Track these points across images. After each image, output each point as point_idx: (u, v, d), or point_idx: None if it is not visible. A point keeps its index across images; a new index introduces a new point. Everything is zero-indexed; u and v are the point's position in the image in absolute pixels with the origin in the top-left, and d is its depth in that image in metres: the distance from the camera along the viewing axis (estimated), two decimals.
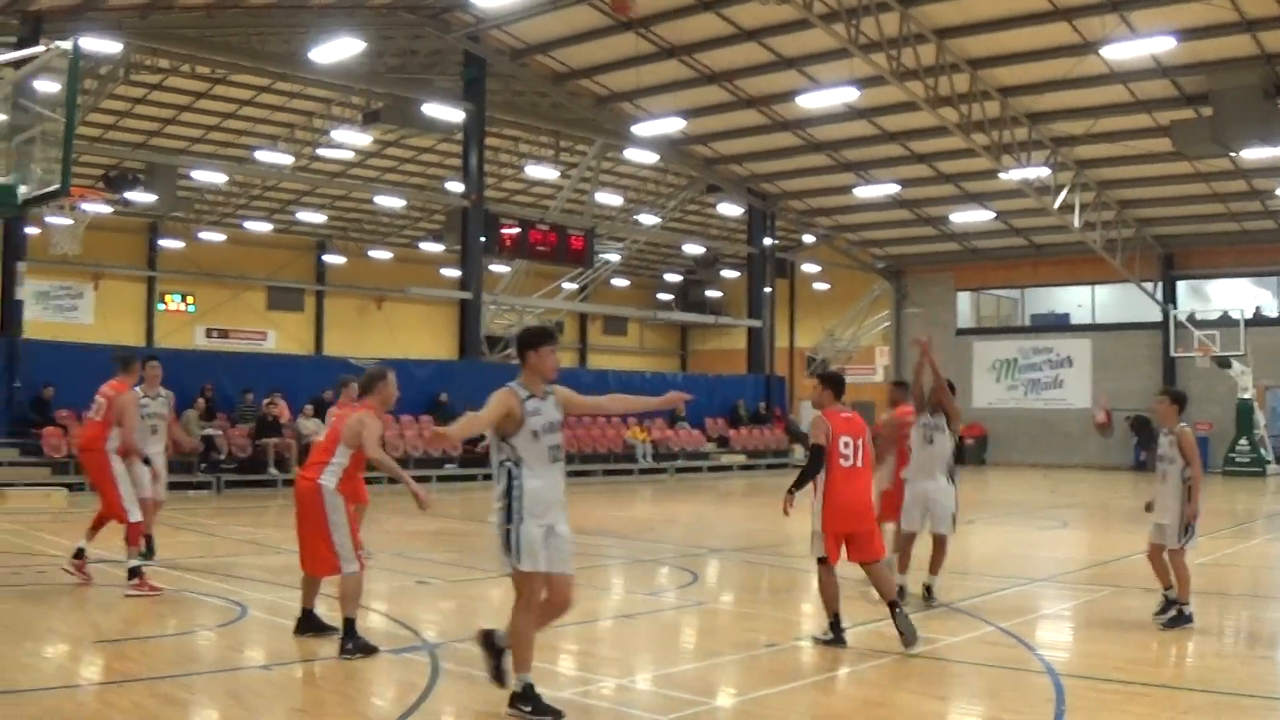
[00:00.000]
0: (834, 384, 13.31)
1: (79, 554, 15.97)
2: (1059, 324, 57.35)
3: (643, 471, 43.24)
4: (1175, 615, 14.04)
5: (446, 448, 37.88)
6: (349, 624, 11.75)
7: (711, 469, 46.26)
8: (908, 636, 12.38)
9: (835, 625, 12.92)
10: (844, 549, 12.98)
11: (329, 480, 11.83)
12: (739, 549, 22.04)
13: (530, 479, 9.56)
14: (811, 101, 39.80)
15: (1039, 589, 17.28)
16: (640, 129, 44.20)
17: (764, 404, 52.96)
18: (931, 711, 10.56)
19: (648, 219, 57.14)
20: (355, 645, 11.67)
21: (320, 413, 36.23)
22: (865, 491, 13.02)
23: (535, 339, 9.96)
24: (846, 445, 12.78)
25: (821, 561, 12.93)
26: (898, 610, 12.56)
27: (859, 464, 12.82)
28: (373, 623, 13.42)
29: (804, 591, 17.81)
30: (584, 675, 11.60)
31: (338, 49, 35.94)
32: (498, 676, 10.16)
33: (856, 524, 12.86)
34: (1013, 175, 40.93)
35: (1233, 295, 51.74)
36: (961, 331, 59.07)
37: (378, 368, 12.61)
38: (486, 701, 10.23)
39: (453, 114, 43.10)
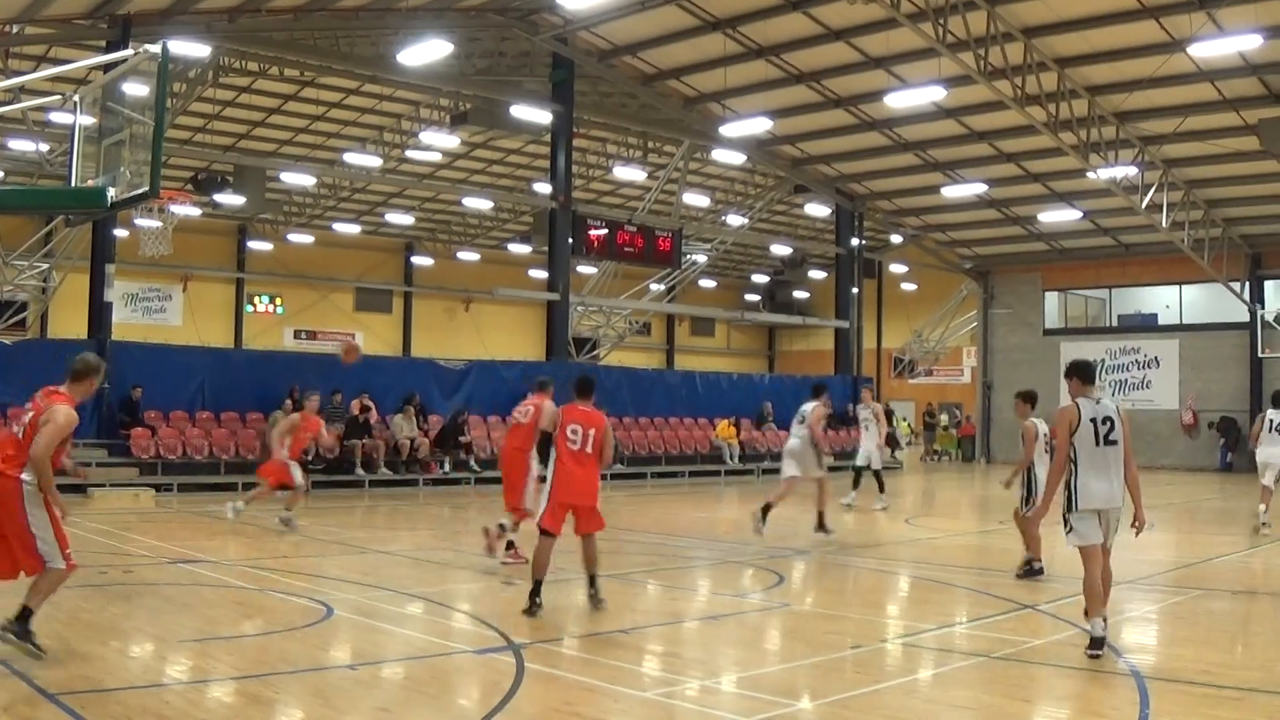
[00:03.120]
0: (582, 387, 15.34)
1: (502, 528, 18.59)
2: (1146, 324, 56.98)
3: (729, 473, 43.12)
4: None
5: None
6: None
7: None
8: (598, 605, 14.64)
9: (535, 592, 14.29)
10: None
11: None
12: (824, 550, 22.00)
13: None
14: (899, 101, 39.64)
15: (1124, 591, 17.12)
16: (728, 129, 44.05)
17: (851, 405, 52.76)
18: (1016, 713, 10.55)
19: (735, 220, 57.23)
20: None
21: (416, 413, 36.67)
22: (589, 472, 14.71)
23: None
24: (574, 432, 14.61)
25: (543, 532, 14.53)
26: (594, 581, 14.75)
27: (587, 449, 14.60)
28: (458, 623, 13.49)
29: (890, 593, 17.84)
30: (668, 676, 11.63)
31: (426, 51, 35.90)
32: None
33: (580, 499, 14.56)
34: (1101, 174, 40.62)
35: None
36: (1049, 332, 58.76)
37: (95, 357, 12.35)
38: (571, 701, 10.33)
39: (541, 115, 43.18)
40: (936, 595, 17.13)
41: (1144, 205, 42.56)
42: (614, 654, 12.41)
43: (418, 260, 72.61)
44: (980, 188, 48.76)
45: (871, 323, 71.21)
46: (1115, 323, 58.56)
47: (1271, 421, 24.54)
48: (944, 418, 66.74)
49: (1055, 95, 36.85)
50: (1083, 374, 12.91)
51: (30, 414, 11.28)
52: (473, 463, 36.29)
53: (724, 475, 42.71)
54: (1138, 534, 12.78)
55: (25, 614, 11.17)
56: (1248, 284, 51.13)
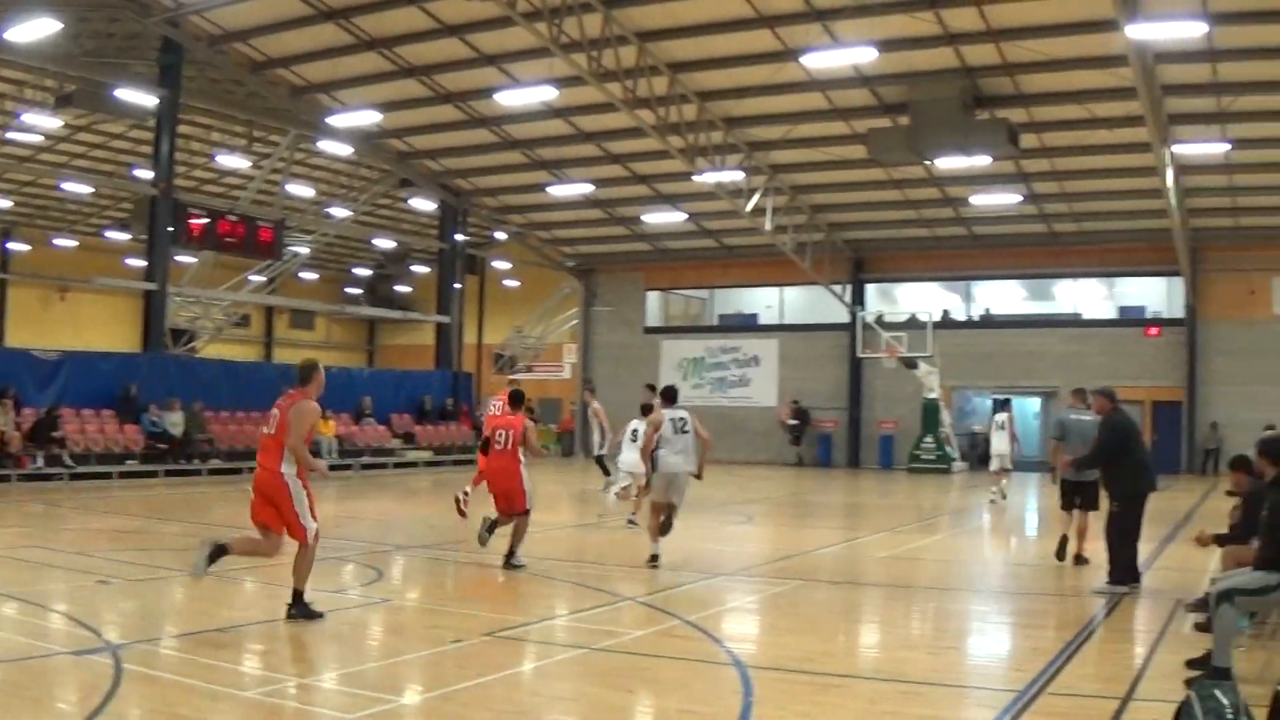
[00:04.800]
0: (514, 400, 19.69)
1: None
2: (747, 324, 58.39)
3: (329, 468, 42.55)
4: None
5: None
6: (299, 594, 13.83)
7: (397, 465, 45.86)
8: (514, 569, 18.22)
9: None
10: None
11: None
12: (424, 546, 21.91)
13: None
14: (510, 99, 39.71)
15: (725, 583, 17.48)
16: (335, 121, 43.48)
17: (451, 400, 52.75)
18: (620, 704, 10.57)
19: (339, 212, 56.70)
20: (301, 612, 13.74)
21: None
22: (506, 465, 18.40)
23: None
24: (500, 436, 18.48)
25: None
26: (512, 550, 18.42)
27: (508, 448, 18.39)
28: (53, 623, 13.08)
29: (490, 587, 17.80)
30: (268, 675, 11.42)
31: (33, 29, 34.56)
32: None
33: (498, 486, 18.50)
34: (707, 178, 41.31)
35: (922, 299, 53.26)
36: (650, 330, 59.80)
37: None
38: (171, 702, 10.02)
39: (146, 99, 41.87)
40: (537, 588, 17.16)
41: (748, 209, 43.36)
42: (213, 653, 12.08)
43: (13, 246, 70.34)
44: (586, 188, 49.30)
45: (473, 318, 71.31)
46: (716, 322, 59.81)
47: (996, 422, 32.03)
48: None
49: (666, 99, 37.36)
50: (670, 395, 19.17)
51: (277, 416, 13.42)
52: (66, 458, 35.07)
53: None
54: (698, 478, 18.90)
55: (298, 596, 13.83)
56: (849, 287, 52.73)
